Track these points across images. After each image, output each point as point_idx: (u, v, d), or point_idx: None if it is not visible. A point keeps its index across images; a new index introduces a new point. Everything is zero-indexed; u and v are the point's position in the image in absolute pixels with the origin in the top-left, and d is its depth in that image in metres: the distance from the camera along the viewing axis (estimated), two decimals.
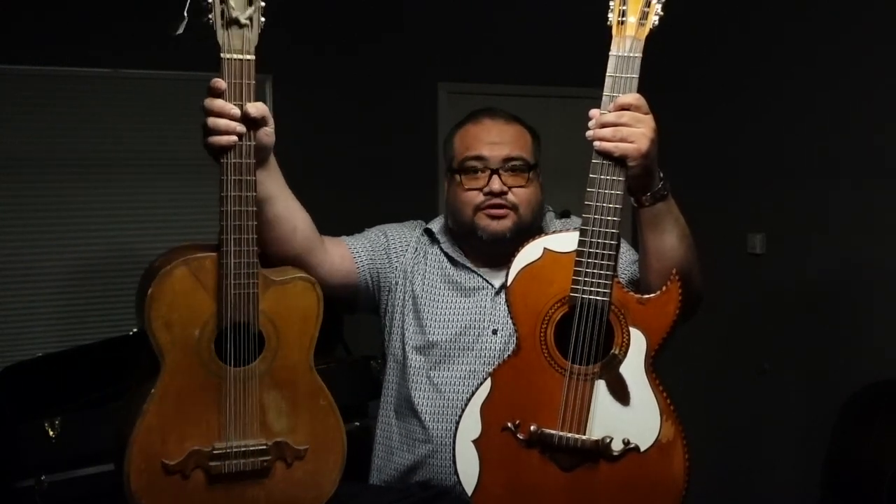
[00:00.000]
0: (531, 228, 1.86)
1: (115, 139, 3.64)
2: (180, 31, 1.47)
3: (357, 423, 2.85)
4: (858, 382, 3.25)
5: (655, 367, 1.53)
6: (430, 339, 1.87)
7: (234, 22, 1.43)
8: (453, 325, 1.87)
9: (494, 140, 1.86)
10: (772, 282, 3.84)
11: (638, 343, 1.52)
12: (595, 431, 1.53)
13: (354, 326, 2.84)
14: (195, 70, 3.81)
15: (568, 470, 1.55)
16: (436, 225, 2.00)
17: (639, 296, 1.53)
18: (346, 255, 1.89)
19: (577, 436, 1.53)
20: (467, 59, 4.19)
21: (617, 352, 1.53)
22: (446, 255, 1.94)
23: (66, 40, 3.46)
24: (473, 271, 1.91)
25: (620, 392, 1.53)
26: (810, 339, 3.65)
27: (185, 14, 1.45)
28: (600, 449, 1.52)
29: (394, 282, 1.94)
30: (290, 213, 1.71)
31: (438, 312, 1.89)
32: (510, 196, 1.84)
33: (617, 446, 1.52)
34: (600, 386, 1.54)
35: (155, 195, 3.72)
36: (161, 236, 3.65)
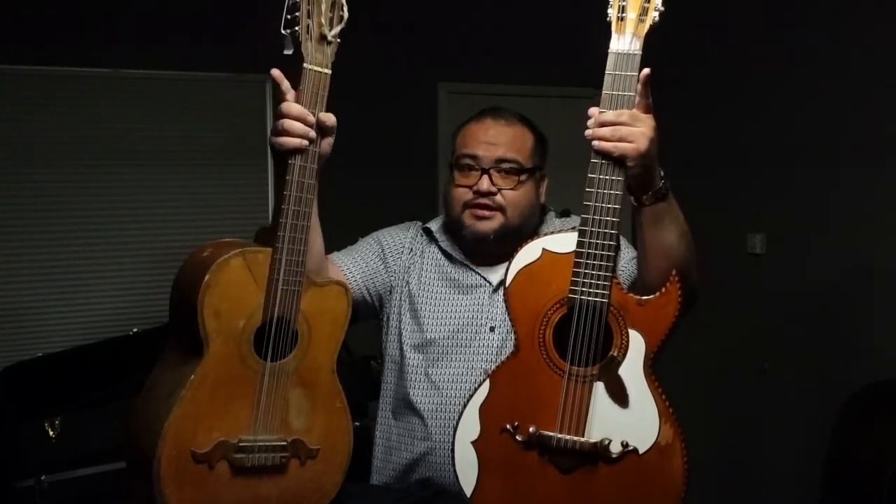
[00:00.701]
0: (520, 231, 1.86)
1: (115, 139, 3.63)
2: (290, 50, 1.56)
3: (357, 423, 2.84)
4: (858, 382, 3.25)
5: (654, 368, 1.52)
6: (428, 336, 1.88)
7: (322, 38, 1.54)
8: (450, 323, 1.88)
9: (491, 140, 1.87)
10: (772, 282, 3.84)
11: (637, 345, 1.51)
12: (594, 434, 1.52)
13: (354, 326, 2.83)
14: (195, 70, 3.84)
15: (567, 472, 1.54)
16: (434, 224, 2.00)
17: (638, 297, 1.52)
18: (338, 274, 1.90)
19: (575, 438, 1.52)
20: (467, 59, 4.19)
21: (616, 354, 1.52)
22: (444, 252, 1.95)
23: (66, 40, 3.46)
24: (471, 268, 1.91)
25: (619, 394, 1.52)
26: (810, 339, 3.65)
27: (284, 31, 1.54)
28: (599, 451, 1.52)
29: (392, 285, 1.95)
30: (314, 228, 1.74)
31: (436, 310, 1.90)
32: (498, 197, 1.84)
33: (615, 448, 1.52)
34: (599, 388, 1.53)
35: (155, 195, 3.71)
36: (161, 236, 3.65)
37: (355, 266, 1.94)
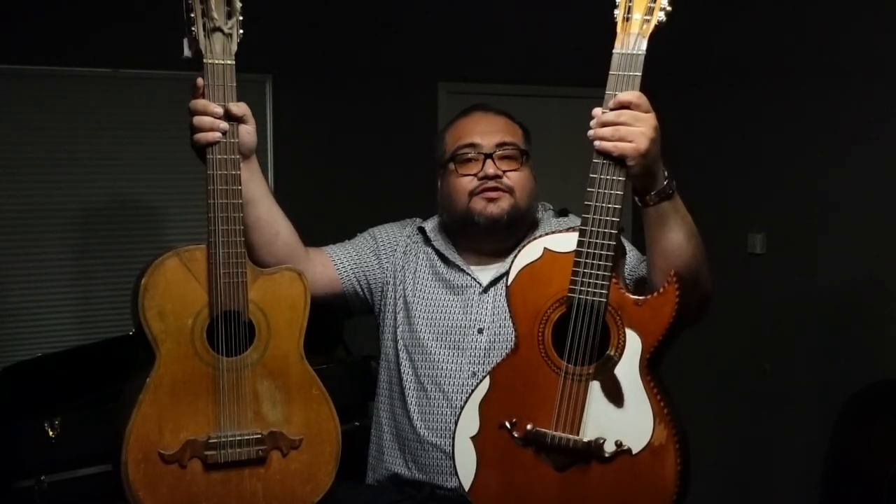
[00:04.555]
0: (526, 215, 1.89)
1: (115, 139, 3.63)
2: (189, 53, 1.59)
3: (357, 423, 2.84)
4: (858, 382, 3.25)
5: (652, 369, 1.52)
6: (418, 336, 1.89)
7: (217, 30, 1.55)
8: (440, 324, 1.89)
9: (485, 129, 1.90)
10: (772, 282, 3.84)
11: (633, 345, 1.52)
12: (588, 432, 1.53)
13: (354, 326, 2.84)
14: (195, 70, 3.83)
15: (561, 470, 1.55)
16: (429, 224, 2.02)
17: (636, 297, 1.52)
18: (327, 264, 1.92)
19: (569, 436, 1.53)
20: (467, 59, 4.18)
21: (612, 353, 1.52)
22: (438, 253, 1.96)
23: (66, 40, 3.46)
24: (462, 269, 1.93)
25: (614, 393, 1.52)
26: (810, 339, 3.65)
27: (187, 37, 1.57)
28: (592, 450, 1.52)
29: (385, 281, 1.96)
30: (272, 218, 1.77)
31: (427, 310, 1.91)
32: (505, 179, 1.86)
33: (609, 448, 1.52)
34: (595, 387, 1.53)
35: (156, 194, 3.71)
36: (162, 236, 3.65)
37: (347, 257, 1.95)
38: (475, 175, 1.87)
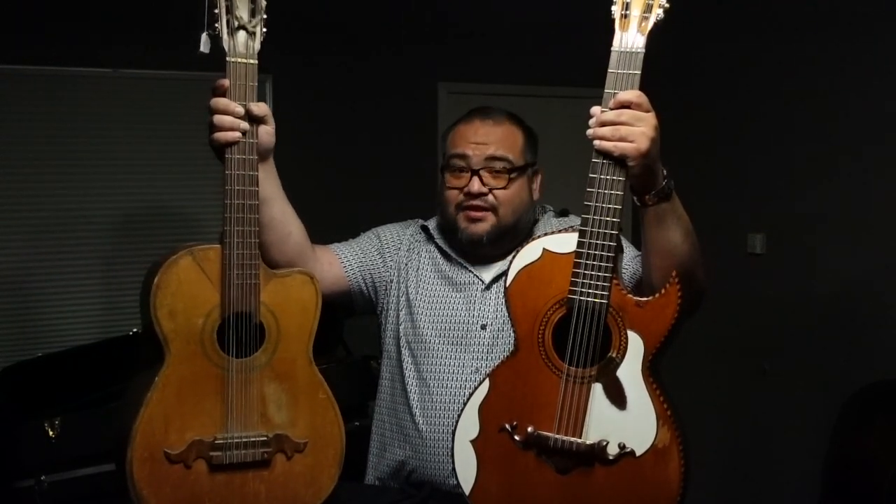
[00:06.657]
0: (514, 230, 1.87)
1: (115, 139, 3.63)
2: (205, 49, 1.56)
3: (357, 423, 2.84)
4: (858, 382, 3.25)
5: (654, 370, 1.52)
6: (421, 333, 1.89)
7: (241, 28, 1.53)
8: (443, 320, 1.89)
9: (479, 140, 1.86)
10: (772, 282, 3.84)
11: (635, 346, 1.51)
12: (591, 435, 1.52)
13: (354, 326, 2.84)
14: (195, 70, 3.83)
15: (563, 473, 1.54)
16: (432, 223, 2.02)
17: (637, 298, 1.51)
18: (333, 262, 1.91)
19: (572, 439, 1.52)
20: (467, 59, 4.19)
21: (614, 355, 1.51)
22: (440, 250, 1.96)
23: (66, 40, 3.46)
24: (465, 266, 1.92)
25: (617, 396, 1.52)
26: (810, 339, 3.65)
27: (207, 32, 1.54)
28: (595, 452, 1.51)
29: (389, 280, 1.96)
30: (285, 218, 1.76)
31: (430, 307, 1.91)
32: (489, 197, 1.84)
33: (612, 450, 1.51)
34: (597, 389, 1.52)
35: (156, 194, 3.72)
36: (162, 236, 3.66)
37: (353, 256, 1.94)
38: (461, 189, 1.85)
